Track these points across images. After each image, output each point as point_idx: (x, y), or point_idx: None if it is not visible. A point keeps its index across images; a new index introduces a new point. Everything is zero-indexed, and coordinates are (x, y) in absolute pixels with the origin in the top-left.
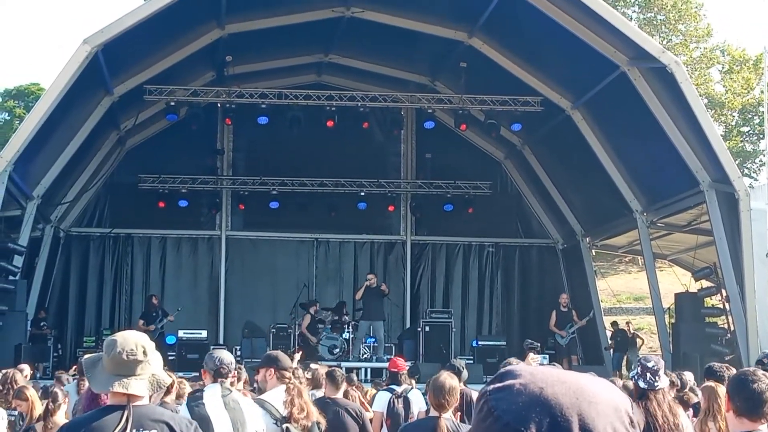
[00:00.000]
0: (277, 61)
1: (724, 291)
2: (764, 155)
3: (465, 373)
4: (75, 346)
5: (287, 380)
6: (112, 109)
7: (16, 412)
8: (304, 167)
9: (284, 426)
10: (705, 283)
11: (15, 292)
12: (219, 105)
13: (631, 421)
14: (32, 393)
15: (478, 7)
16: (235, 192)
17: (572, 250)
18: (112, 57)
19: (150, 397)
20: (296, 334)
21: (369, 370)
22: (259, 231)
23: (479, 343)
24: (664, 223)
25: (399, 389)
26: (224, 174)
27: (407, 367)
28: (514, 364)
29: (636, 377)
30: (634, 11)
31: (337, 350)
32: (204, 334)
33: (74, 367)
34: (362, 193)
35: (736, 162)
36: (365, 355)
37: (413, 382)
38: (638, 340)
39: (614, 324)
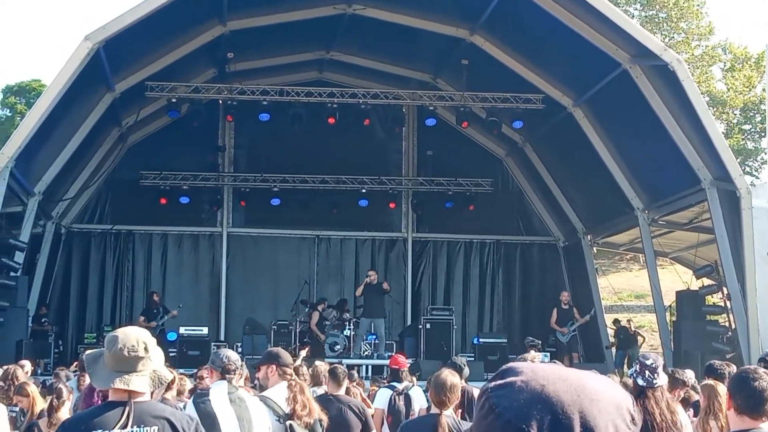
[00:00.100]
0: (278, 58)
1: (725, 289)
2: (766, 153)
3: (467, 371)
4: (76, 343)
5: (289, 377)
6: (113, 105)
7: (17, 408)
8: (306, 164)
9: (288, 423)
10: (706, 281)
11: (16, 288)
12: (220, 102)
13: (633, 419)
14: (33, 389)
15: (480, 4)
16: (237, 189)
17: (573, 248)
18: (113, 53)
19: (151, 393)
20: (303, 330)
21: (370, 367)
22: (261, 228)
23: (480, 340)
24: (665, 221)
25: (400, 386)
26: (225, 171)
27: (408, 365)
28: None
29: (634, 375)
30: (636, 9)
31: (339, 347)
32: (205, 330)
33: (75, 363)
34: (363, 191)
35: (738, 160)
36: (366, 353)
37: (414, 379)
38: (639, 337)
39: (616, 321)
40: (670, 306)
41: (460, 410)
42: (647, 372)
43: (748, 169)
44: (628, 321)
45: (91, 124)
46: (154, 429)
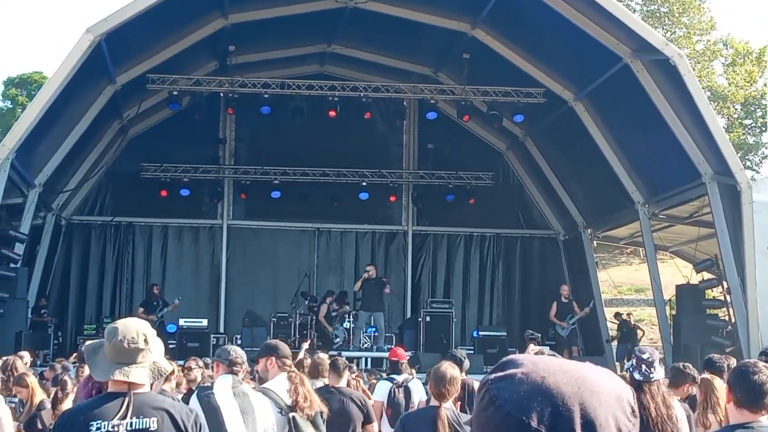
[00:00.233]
0: (280, 51)
1: (725, 283)
2: (766, 148)
3: (467, 363)
4: (75, 334)
5: (288, 369)
6: (114, 97)
7: (16, 399)
8: (306, 157)
9: (290, 415)
10: (706, 275)
11: (16, 279)
12: (222, 94)
13: (633, 411)
14: (32, 380)
15: None
16: (237, 181)
17: (574, 242)
18: (115, 46)
19: (151, 384)
20: (303, 323)
21: (369, 360)
22: (261, 220)
23: (480, 333)
24: (665, 215)
25: (399, 379)
26: (226, 163)
27: (408, 357)
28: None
29: (631, 369)
30: (638, 3)
31: (338, 340)
32: (204, 322)
33: (74, 354)
34: (364, 183)
35: (738, 154)
36: (365, 345)
37: (414, 371)
38: (639, 331)
39: (617, 315)
40: (669, 300)
41: (459, 402)
42: (644, 366)
43: (748, 163)
44: (628, 314)
45: (92, 116)
46: (154, 420)
